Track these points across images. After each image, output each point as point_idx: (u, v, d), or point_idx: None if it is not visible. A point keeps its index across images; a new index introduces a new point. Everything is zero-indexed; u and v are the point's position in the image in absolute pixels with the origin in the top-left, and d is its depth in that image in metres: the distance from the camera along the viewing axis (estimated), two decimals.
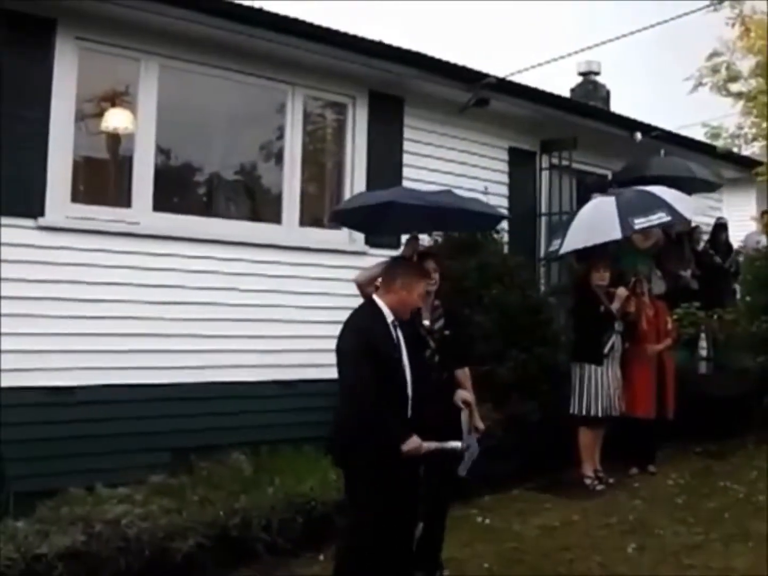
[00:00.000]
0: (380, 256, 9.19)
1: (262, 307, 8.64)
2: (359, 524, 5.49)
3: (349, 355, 5.42)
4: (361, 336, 5.43)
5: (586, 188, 11.97)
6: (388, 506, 5.36)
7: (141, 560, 6.22)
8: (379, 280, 5.94)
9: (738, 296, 13.37)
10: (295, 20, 8.39)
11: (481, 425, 6.46)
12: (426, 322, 6.51)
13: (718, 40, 11.28)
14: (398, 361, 5.48)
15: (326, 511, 7.19)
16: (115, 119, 8.27)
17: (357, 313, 5.68)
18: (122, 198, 8.18)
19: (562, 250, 9.84)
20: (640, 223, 9.42)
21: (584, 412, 9.26)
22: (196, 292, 8.22)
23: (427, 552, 6.32)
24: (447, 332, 6.61)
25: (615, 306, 9.44)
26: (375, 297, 5.68)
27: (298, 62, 8.92)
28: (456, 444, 5.69)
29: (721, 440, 10.75)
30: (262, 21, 8.19)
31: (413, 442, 5.33)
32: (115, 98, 8.29)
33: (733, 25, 11.14)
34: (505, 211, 10.54)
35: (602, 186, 11.89)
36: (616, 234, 9.49)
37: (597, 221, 9.78)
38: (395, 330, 5.55)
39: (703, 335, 11.94)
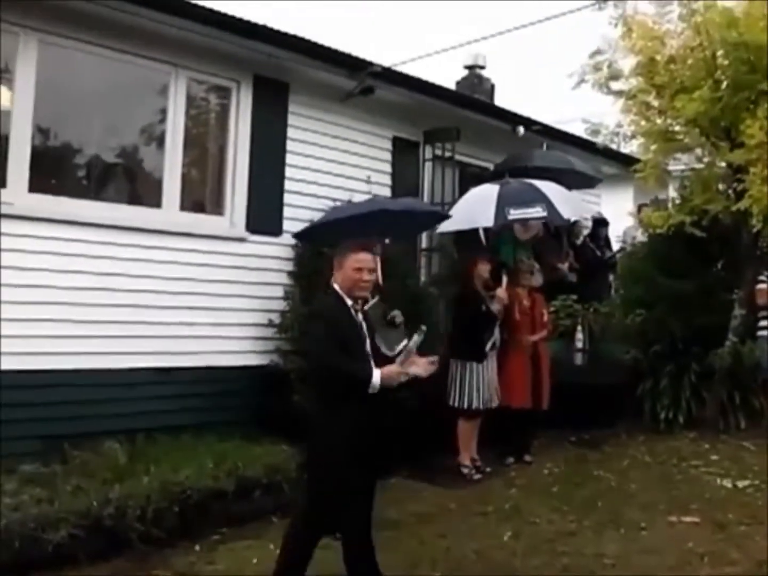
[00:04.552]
0: (260, 242, 9.15)
1: (138, 292, 8.46)
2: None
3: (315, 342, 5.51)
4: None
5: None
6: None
7: (11, 551, 6.09)
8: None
9: (614, 290, 13.70)
10: (180, 0, 8.24)
11: None
12: None
13: (602, 38, 11.46)
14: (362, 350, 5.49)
15: (202, 500, 7.15)
16: None
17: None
18: None
19: (440, 229, 10.02)
20: (514, 214, 9.59)
21: (465, 406, 9.36)
22: (70, 276, 8.00)
23: None
24: None
25: (496, 307, 9.54)
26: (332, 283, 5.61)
27: (182, 43, 8.76)
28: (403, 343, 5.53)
29: (595, 430, 10.98)
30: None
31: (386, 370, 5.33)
32: None
33: (616, 24, 11.33)
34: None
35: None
36: (489, 222, 9.69)
37: (476, 207, 9.94)
38: (356, 314, 5.55)
39: (579, 327, 12.17)
